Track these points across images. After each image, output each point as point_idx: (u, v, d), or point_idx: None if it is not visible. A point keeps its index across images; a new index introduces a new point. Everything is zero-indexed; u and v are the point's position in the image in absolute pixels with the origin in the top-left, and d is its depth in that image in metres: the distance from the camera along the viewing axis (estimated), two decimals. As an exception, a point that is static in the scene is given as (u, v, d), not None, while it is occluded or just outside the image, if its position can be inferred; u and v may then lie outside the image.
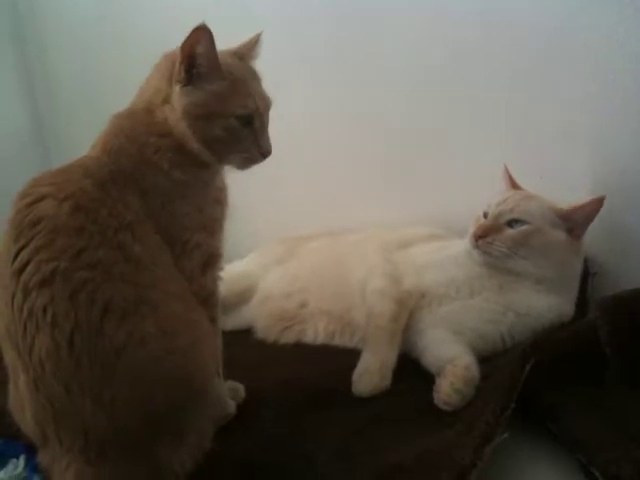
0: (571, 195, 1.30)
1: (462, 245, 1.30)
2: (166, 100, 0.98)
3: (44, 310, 0.80)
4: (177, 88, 0.96)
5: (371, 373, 1.14)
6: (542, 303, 1.19)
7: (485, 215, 1.26)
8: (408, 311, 1.25)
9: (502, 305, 1.21)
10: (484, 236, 1.20)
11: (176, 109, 0.96)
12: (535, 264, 1.19)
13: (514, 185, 1.34)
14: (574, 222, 1.22)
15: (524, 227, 1.20)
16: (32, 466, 0.96)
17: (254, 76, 1.04)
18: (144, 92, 1.02)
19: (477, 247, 1.22)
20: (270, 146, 1.03)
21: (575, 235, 1.22)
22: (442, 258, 1.32)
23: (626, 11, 1.27)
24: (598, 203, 1.20)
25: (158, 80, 0.99)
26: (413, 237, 1.46)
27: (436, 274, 1.29)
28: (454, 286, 1.26)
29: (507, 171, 1.36)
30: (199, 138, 0.96)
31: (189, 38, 0.93)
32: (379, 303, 1.26)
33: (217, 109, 0.96)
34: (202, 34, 0.92)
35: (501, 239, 1.20)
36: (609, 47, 1.32)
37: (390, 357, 1.17)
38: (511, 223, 1.21)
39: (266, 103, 1.03)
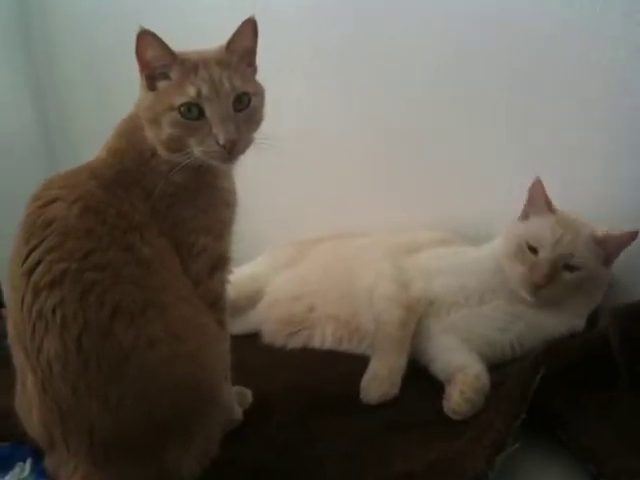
0: (576, 198, 1.30)
1: (474, 252, 1.29)
2: None
3: (53, 311, 0.80)
4: (142, 94, 0.95)
5: (380, 380, 1.13)
6: (555, 319, 1.18)
7: (533, 250, 1.19)
8: (417, 317, 1.24)
9: (512, 315, 1.20)
10: (545, 286, 1.16)
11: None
12: (572, 297, 1.18)
13: (548, 202, 1.24)
14: (608, 250, 1.19)
15: (581, 273, 1.16)
16: (39, 470, 0.95)
17: (212, 62, 0.93)
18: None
19: (536, 296, 1.17)
20: (231, 134, 0.91)
21: (608, 263, 1.21)
22: (452, 265, 1.31)
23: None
24: (632, 236, 1.18)
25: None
26: (422, 242, 1.44)
27: (446, 281, 1.27)
28: (464, 294, 1.24)
29: (541, 186, 1.24)
30: (158, 142, 0.93)
31: (136, 46, 0.91)
32: (387, 309, 1.24)
33: (161, 106, 0.92)
34: (145, 39, 0.90)
35: (559, 286, 1.16)
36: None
37: (399, 364, 1.16)
38: (568, 267, 1.17)
39: (219, 88, 0.92)
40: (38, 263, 0.82)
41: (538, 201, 1.23)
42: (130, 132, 0.98)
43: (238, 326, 1.45)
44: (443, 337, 1.20)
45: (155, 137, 0.93)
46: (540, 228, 1.20)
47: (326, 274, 1.47)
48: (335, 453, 0.96)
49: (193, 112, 0.91)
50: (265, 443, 1.01)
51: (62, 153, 2.22)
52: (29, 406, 0.86)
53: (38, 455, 0.94)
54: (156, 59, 0.92)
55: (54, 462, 0.88)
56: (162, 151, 0.94)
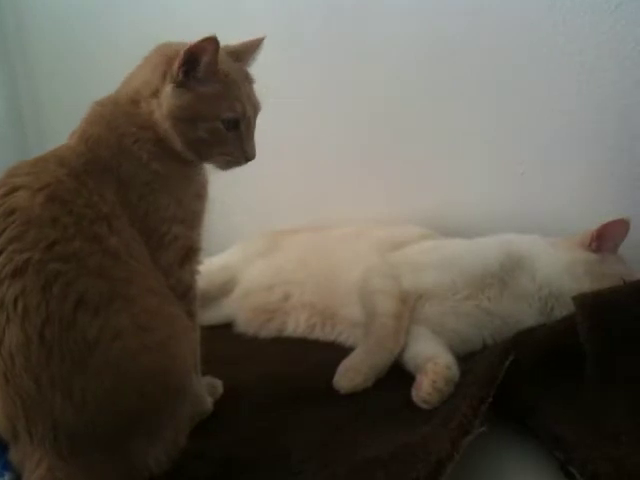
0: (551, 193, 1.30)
1: (466, 246, 1.30)
2: (155, 94, 0.96)
3: (15, 301, 0.79)
4: (169, 87, 0.95)
5: (356, 371, 1.12)
6: (534, 319, 1.19)
7: None
8: (409, 310, 1.22)
9: (490, 313, 1.20)
10: None
11: (163, 107, 0.95)
12: None
13: None
14: None
15: None
16: (3, 463, 0.93)
17: (247, 79, 1.03)
18: (131, 82, 1.00)
19: None
20: (254, 151, 1.02)
21: None
22: (444, 258, 1.29)
23: None
24: None
25: (149, 72, 0.98)
26: (406, 237, 1.42)
27: (437, 275, 1.25)
28: (453, 289, 1.23)
29: (628, 228, 1.21)
30: (182, 139, 0.96)
31: (198, 46, 0.92)
32: (381, 301, 1.23)
33: (204, 112, 0.95)
34: (211, 45, 0.92)
35: None
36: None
37: (383, 363, 1.14)
38: None
39: (255, 108, 1.02)
40: (0, 253, 0.81)
41: (618, 241, 1.23)
42: (110, 117, 0.97)
43: (210, 316, 1.45)
44: (414, 327, 1.19)
45: (181, 134, 0.95)
46: (628, 272, 1.20)
47: (303, 264, 1.47)
48: (304, 443, 0.95)
49: (230, 125, 0.97)
50: (235, 434, 1.00)
51: (34, 141, 2.18)
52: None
53: (3, 449, 0.92)
54: (206, 65, 0.94)
55: (19, 455, 0.87)
56: (179, 144, 0.96)
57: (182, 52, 0.92)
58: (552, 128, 1.44)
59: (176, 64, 0.93)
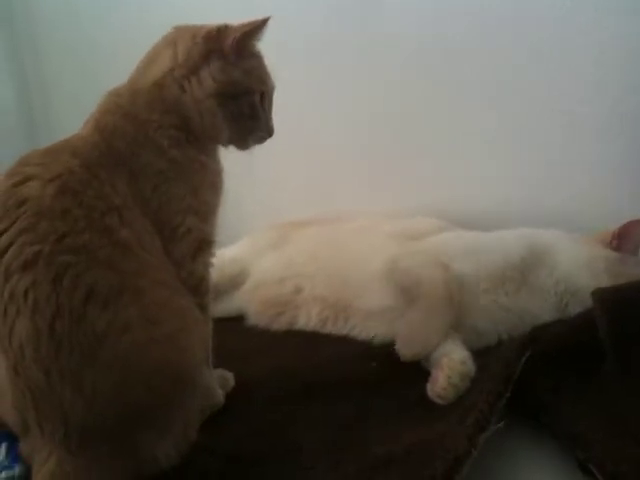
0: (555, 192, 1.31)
1: (483, 238, 1.28)
2: (189, 75, 0.96)
3: (25, 294, 0.78)
4: (217, 64, 0.96)
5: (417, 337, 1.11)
6: (549, 314, 1.17)
7: None
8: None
9: (508, 309, 1.18)
10: None
11: (205, 85, 0.96)
12: None
13: None
14: None
15: None
16: (14, 455, 0.93)
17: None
18: (152, 67, 0.98)
19: None
20: (274, 126, 1.06)
21: None
22: (465, 249, 1.27)
23: None
24: None
25: (180, 54, 0.97)
26: (421, 229, 1.40)
27: (459, 265, 1.21)
28: (474, 280, 1.19)
29: None
30: (226, 117, 0.97)
31: (254, 28, 0.97)
32: (425, 271, 1.20)
33: (249, 86, 0.99)
34: (264, 25, 0.98)
35: None
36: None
37: (445, 321, 1.12)
38: None
39: (274, 83, 1.05)
40: (10, 245, 0.80)
41: (638, 242, 1.22)
42: (128, 106, 0.96)
43: (221, 309, 1.44)
44: None
45: (227, 110, 0.99)
46: None
47: (314, 257, 1.45)
48: (316, 438, 0.94)
49: (261, 99, 1.02)
50: (246, 427, 1.00)
51: (43, 132, 2.18)
52: (3, 390, 0.84)
53: (13, 440, 0.92)
54: (254, 44, 1.02)
55: (29, 447, 0.86)
56: (220, 123, 0.99)
57: (238, 31, 0.96)
58: (552, 128, 1.44)
59: (229, 43, 0.96)
